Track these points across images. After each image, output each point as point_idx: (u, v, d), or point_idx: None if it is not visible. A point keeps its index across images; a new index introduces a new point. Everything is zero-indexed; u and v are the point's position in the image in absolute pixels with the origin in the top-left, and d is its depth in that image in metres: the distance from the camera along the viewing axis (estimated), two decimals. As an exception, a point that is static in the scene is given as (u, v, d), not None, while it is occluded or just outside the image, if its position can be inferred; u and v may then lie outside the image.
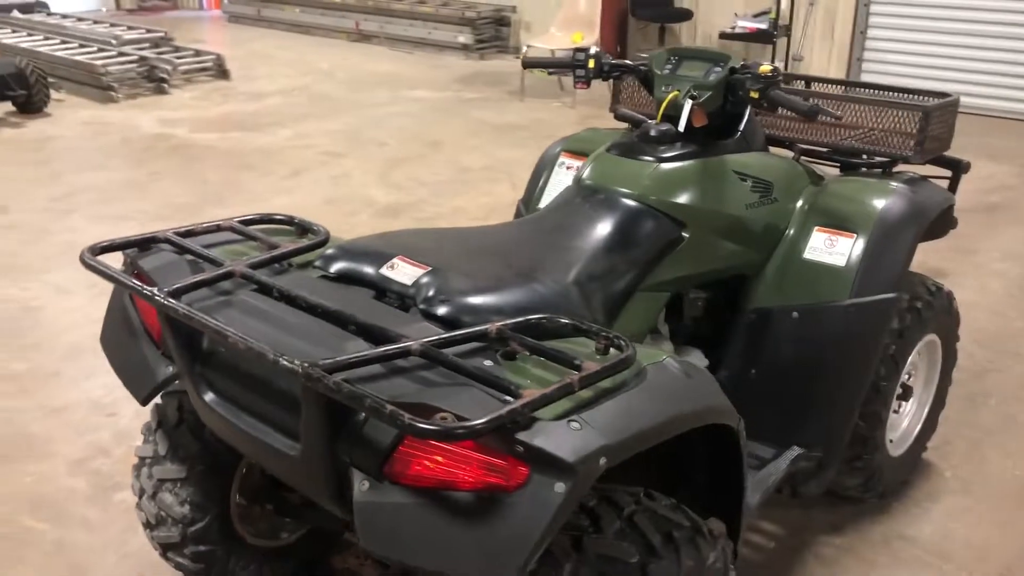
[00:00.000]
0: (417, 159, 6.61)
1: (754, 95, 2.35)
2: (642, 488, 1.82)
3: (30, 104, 7.79)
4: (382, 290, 1.93)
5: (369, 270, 1.95)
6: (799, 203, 2.56)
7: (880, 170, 2.74)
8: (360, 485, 1.55)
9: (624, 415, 1.56)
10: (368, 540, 1.54)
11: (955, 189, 2.97)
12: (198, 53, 9.52)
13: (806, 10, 8.59)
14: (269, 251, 2.01)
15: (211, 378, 1.85)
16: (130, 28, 10.06)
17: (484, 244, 2.18)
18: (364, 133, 7.27)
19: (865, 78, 8.44)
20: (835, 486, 2.75)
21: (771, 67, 2.36)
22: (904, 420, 2.90)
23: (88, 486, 2.93)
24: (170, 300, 1.71)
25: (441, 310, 1.82)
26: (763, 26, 8.28)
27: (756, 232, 2.45)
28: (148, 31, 9.85)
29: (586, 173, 2.41)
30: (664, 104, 2.46)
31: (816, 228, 2.50)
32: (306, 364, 1.46)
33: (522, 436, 1.43)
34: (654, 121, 2.47)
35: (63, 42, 9.60)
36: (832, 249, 2.47)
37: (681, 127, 2.41)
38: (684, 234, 2.31)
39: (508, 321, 1.71)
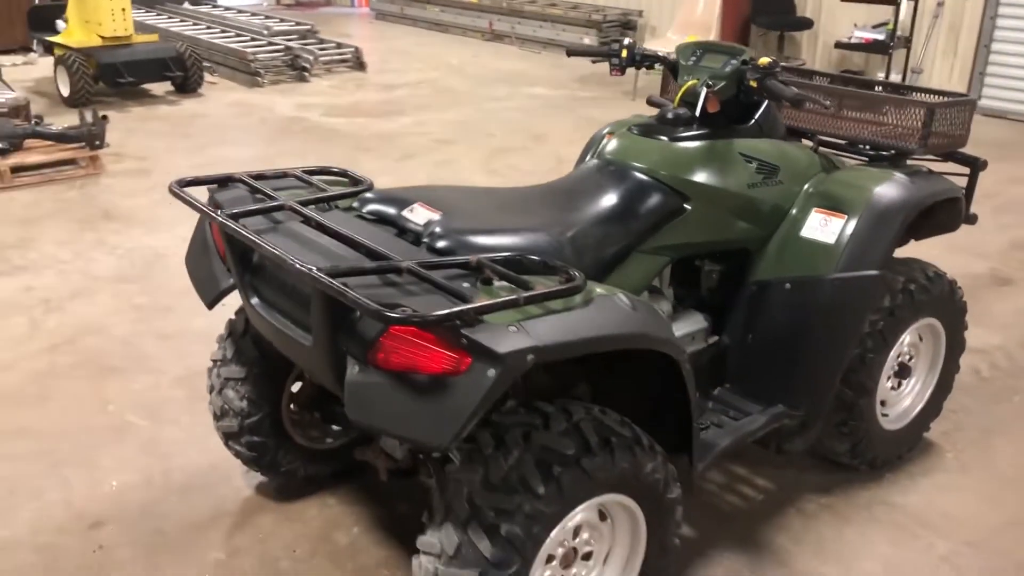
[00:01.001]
0: (520, 150, 7.03)
1: (752, 84, 2.64)
2: (600, 407, 2.17)
3: (186, 85, 8.66)
4: (402, 229, 2.34)
5: (392, 211, 2.37)
6: (806, 187, 2.81)
7: (888, 161, 2.95)
8: (351, 369, 1.97)
9: (558, 327, 1.91)
10: (352, 412, 1.95)
11: (973, 186, 3.14)
12: (339, 45, 10.26)
13: (929, 22, 8.53)
14: (318, 193, 2.46)
15: (257, 286, 2.31)
16: (282, 20, 10.90)
17: (501, 199, 2.56)
18: (476, 124, 7.76)
19: (987, 93, 8.32)
20: (826, 451, 2.99)
21: (769, 60, 2.64)
22: (904, 398, 3.09)
23: (184, 397, 3.48)
24: (228, 220, 2.17)
25: (440, 244, 2.21)
26: (880, 37, 8.28)
27: (758, 209, 2.73)
28: (297, 24, 10.67)
29: (607, 148, 2.76)
30: (682, 91, 2.78)
31: (814, 209, 2.76)
32: (313, 268, 1.89)
33: (468, 332, 1.81)
34: (672, 105, 2.80)
35: (222, 31, 10.54)
36: (825, 228, 2.72)
37: (697, 112, 2.73)
38: (687, 206, 2.62)
39: (489, 255, 2.09)
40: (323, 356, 2.06)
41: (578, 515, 2.10)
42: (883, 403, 3.01)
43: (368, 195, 2.47)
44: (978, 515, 2.88)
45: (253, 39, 9.99)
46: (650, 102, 3.16)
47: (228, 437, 2.78)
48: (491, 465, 1.99)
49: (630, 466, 2.09)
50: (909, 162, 2.99)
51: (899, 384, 3.06)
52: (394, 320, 1.75)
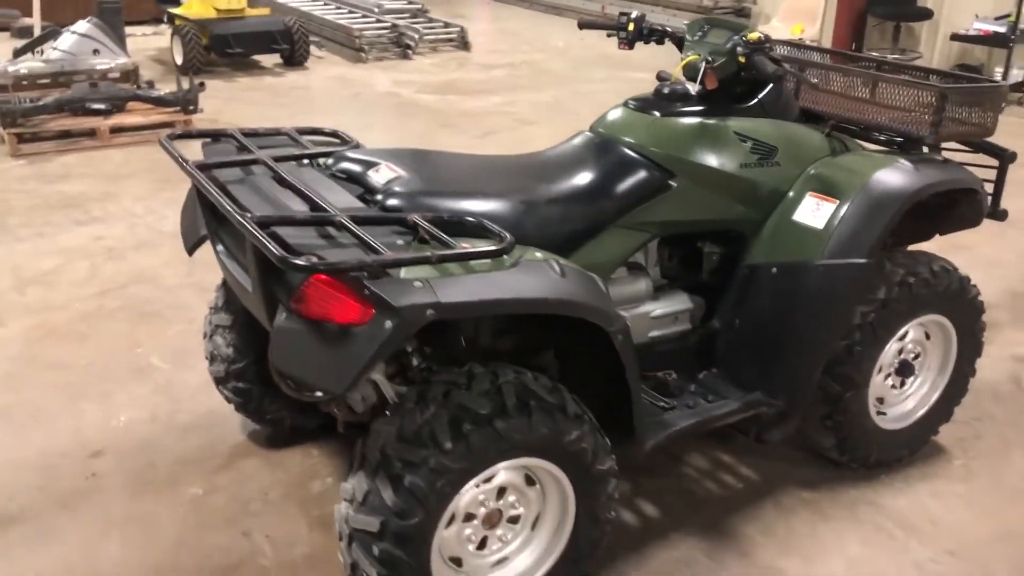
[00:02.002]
0: (600, 132, 6.98)
1: (741, 59, 2.57)
2: (534, 373, 2.17)
3: (292, 58, 9.01)
4: (367, 187, 2.39)
5: (359, 170, 2.43)
6: (809, 170, 2.72)
7: (900, 148, 2.81)
8: (279, 315, 2.04)
9: (471, 286, 1.94)
10: (273, 356, 2.04)
11: (1003, 178, 2.96)
12: (447, 25, 10.42)
13: (1059, 15, 7.95)
14: (297, 150, 2.55)
15: (222, 235, 2.42)
16: (396, -1, 11.15)
17: (478, 166, 2.59)
18: (565, 105, 7.75)
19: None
20: (813, 444, 2.90)
21: (759, 35, 2.57)
22: (907, 398, 2.94)
23: (209, 345, 3.65)
24: (195, 170, 2.28)
25: (389, 202, 2.26)
26: (1001, 29, 7.78)
27: (750, 190, 2.66)
28: (409, 3, 10.89)
29: (601, 120, 2.75)
30: (680, 65, 2.74)
31: (809, 193, 2.67)
32: (244, 215, 1.97)
33: (372, 284, 1.85)
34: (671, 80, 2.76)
35: (337, 7, 10.87)
36: (817, 213, 2.63)
37: (693, 89, 2.69)
38: (672, 183, 2.59)
39: (426, 215, 2.12)
40: (259, 302, 2.14)
41: (500, 476, 2.13)
42: (880, 401, 2.88)
43: (343, 154, 2.54)
44: (968, 525, 2.73)
45: (364, 16, 10.26)
46: (659, 77, 3.11)
47: (217, 382, 2.92)
48: (407, 419, 2.03)
49: (550, 431, 2.08)
50: (928, 150, 2.85)
51: (902, 383, 2.91)
52: (294, 267, 1.81)
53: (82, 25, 7.50)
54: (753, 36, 2.58)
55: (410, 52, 9.68)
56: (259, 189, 2.31)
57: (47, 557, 2.52)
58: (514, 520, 2.23)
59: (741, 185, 2.64)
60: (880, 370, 2.81)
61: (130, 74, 7.33)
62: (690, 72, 2.72)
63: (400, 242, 2.06)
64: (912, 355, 2.88)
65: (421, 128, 6.95)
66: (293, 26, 8.88)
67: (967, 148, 3.00)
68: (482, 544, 2.21)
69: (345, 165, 2.47)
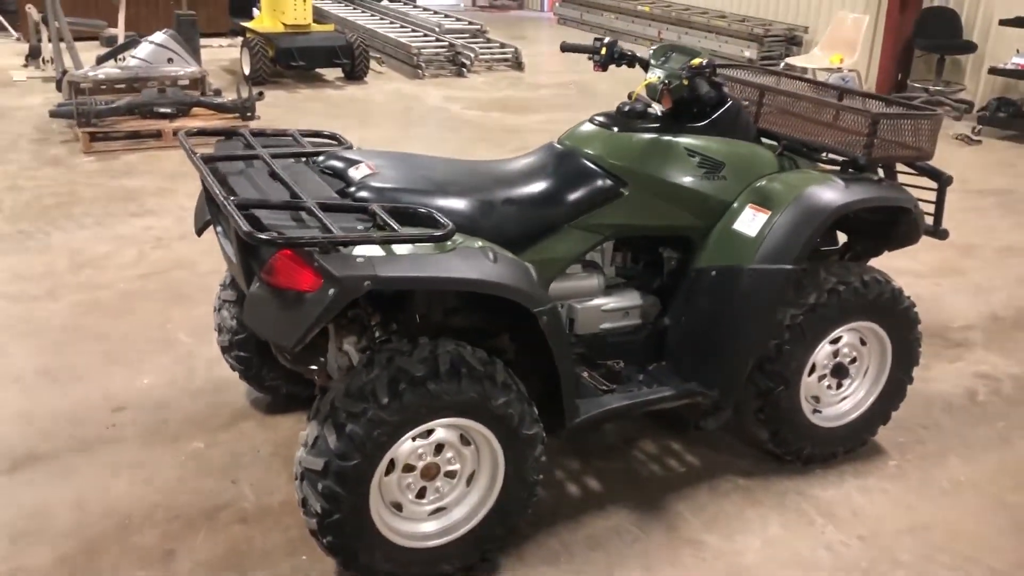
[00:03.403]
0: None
1: (684, 82, 2.88)
2: (472, 346, 2.51)
3: (353, 72, 9.52)
4: (347, 182, 2.76)
5: (341, 167, 2.80)
6: (754, 184, 3.00)
7: (842, 167, 3.07)
8: (254, 284, 2.42)
9: (407, 264, 2.29)
10: (246, 317, 2.42)
11: (942, 200, 3.20)
12: (503, 46, 10.84)
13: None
14: (295, 148, 2.94)
15: (219, 218, 2.82)
16: (458, 20, 11.62)
17: (449, 169, 2.92)
18: (603, 125, 8.05)
19: None
20: (752, 437, 3.16)
21: (700, 61, 2.87)
22: (843, 399, 3.18)
23: (231, 325, 4.07)
24: (199, 161, 2.68)
25: (360, 194, 2.62)
26: (1039, 64, 7.85)
27: (696, 201, 2.95)
28: (470, 23, 11.35)
29: (566, 133, 3.08)
30: (640, 86, 3.06)
31: (749, 204, 2.95)
32: (228, 198, 2.36)
33: (321, 258, 2.21)
34: (629, 100, 3.08)
35: (401, 26, 11.39)
36: (752, 222, 2.91)
37: (655, 108, 3.01)
38: (623, 191, 2.90)
39: (386, 204, 2.48)
40: (240, 272, 2.53)
41: (437, 433, 2.46)
42: (816, 399, 3.12)
43: (334, 153, 2.91)
44: (885, 516, 2.95)
45: (425, 35, 10.75)
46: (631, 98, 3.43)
47: (223, 350, 3.32)
48: (355, 378, 2.38)
49: (478, 396, 2.41)
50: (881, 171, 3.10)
51: (838, 384, 3.15)
52: (256, 239, 2.18)
53: (159, 36, 8.10)
54: (695, 62, 2.88)
55: (465, 70, 10.12)
56: (252, 179, 2.70)
57: (64, 489, 2.94)
58: (451, 475, 2.56)
59: (687, 195, 2.94)
60: (813, 370, 3.06)
61: (198, 82, 7.90)
62: (654, 93, 3.04)
63: (360, 227, 2.41)
64: (848, 359, 3.12)
65: (460, 141, 7.35)
66: (354, 42, 9.40)
67: (912, 171, 3.24)
68: (421, 494, 2.54)
69: (332, 163, 2.84)
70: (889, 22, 9.60)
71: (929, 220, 3.25)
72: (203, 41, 10.29)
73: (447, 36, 10.69)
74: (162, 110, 7.03)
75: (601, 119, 3.03)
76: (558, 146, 3.04)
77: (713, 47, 11.38)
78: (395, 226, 2.35)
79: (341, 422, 2.33)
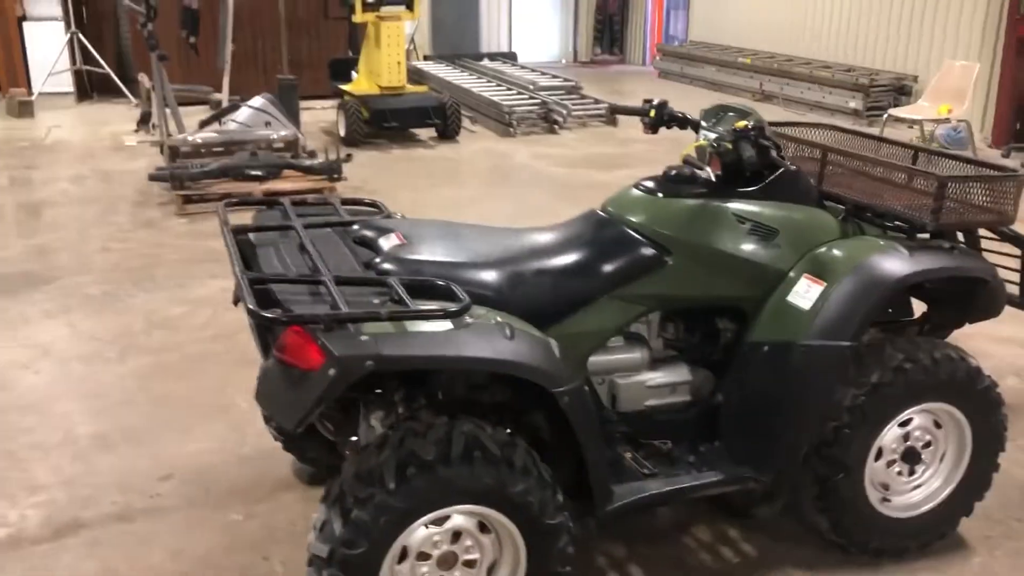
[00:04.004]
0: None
1: (728, 146, 2.71)
2: (495, 426, 2.37)
3: (445, 132, 9.63)
4: (377, 252, 2.70)
5: (372, 236, 2.74)
6: (813, 252, 2.79)
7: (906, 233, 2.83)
8: (267, 359, 2.37)
9: (414, 342, 2.18)
10: (257, 393, 2.35)
11: (1027, 268, 2.90)
12: (596, 102, 10.79)
13: None
14: (333, 218, 2.90)
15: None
16: (554, 77, 11.65)
17: (482, 237, 2.82)
18: (692, 181, 7.86)
19: None
20: (812, 526, 2.90)
21: (744, 123, 2.70)
22: (916, 487, 2.89)
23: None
24: (227, 232, 2.67)
25: (383, 266, 2.54)
26: None
27: (746, 270, 2.76)
28: (564, 80, 11.36)
29: (609, 199, 2.95)
30: (686, 150, 2.92)
31: (804, 274, 2.74)
32: (242, 273, 2.32)
33: (323, 336, 2.14)
34: (678, 165, 2.94)
35: (497, 84, 11.50)
36: (807, 294, 2.70)
37: (706, 173, 2.86)
38: (668, 260, 2.74)
39: (404, 278, 2.39)
40: (258, 347, 2.48)
41: (453, 520, 2.33)
42: (885, 487, 2.85)
43: (368, 222, 2.86)
44: (962, 623, 2.64)
45: (518, 93, 10.81)
46: (685, 160, 3.27)
47: (265, 420, 3.28)
48: (365, 459, 2.28)
49: (494, 482, 2.27)
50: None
51: (910, 471, 2.87)
52: (258, 316, 2.12)
53: (257, 100, 8.38)
54: (740, 124, 2.72)
55: (557, 127, 10.10)
56: (280, 252, 2.67)
57: (97, 560, 2.93)
58: (470, 564, 2.41)
59: (736, 264, 2.75)
60: (880, 455, 2.79)
61: (292, 144, 8.12)
62: (703, 157, 2.89)
63: (376, 301, 2.33)
64: (920, 444, 2.84)
65: (541, 199, 7.28)
66: (447, 103, 9.52)
67: (995, 236, 2.96)
68: (439, 584, 2.41)
69: (364, 233, 2.78)
70: (1006, 69, 9.10)
71: (1015, 289, 2.96)
72: (306, 103, 10.67)
73: (540, 93, 10.71)
74: (253, 172, 7.23)
75: (647, 184, 2.89)
76: (601, 213, 2.90)
77: (816, 98, 11.05)
78: (408, 301, 2.25)
79: (348, 507, 2.23)
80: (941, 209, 2.70)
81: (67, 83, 12.09)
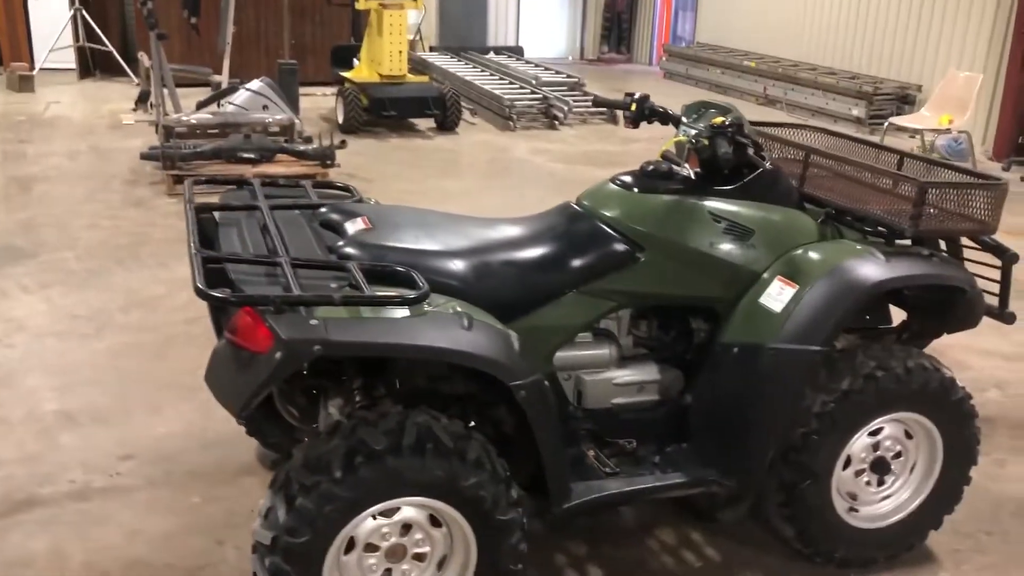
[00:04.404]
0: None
1: (704, 141, 2.65)
2: (451, 418, 2.32)
3: (444, 123, 9.56)
4: (342, 236, 2.64)
5: (337, 220, 2.68)
6: (789, 254, 2.73)
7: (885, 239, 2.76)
8: (220, 341, 2.31)
9: (363, 327, 2.13)
10: (207, 376, 2.30)
11: (1007, 278, 2.85)
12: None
13: None
14: (296, 200, 2.85)
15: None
16: (557, 72, 11.57)
17: (451, 226, 2.75)
18: (689, 182, 7.80)
19: None
20: (777, 533, 2.84)
21: (722, 119, 2.64)
22: (885, 498, 2.83)
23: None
24: (189, 210, 2.61)
25: (346, 250, 2.48)
26: None
27: (719, 269, 2.70)
28: (568, 76, 11.28)
29: (584, 193, 2.89)
30: (665, 146, 2.87)
31: (778, 276, 2.68)
32: (195, 251, 2.27)
33: (272, 319, 2.08)
34: (656, 160, 2.88)
35: (500, 77, 11.43)
36: (779, 296, 2.64)
37: (691, 171, 2.79)
38: (640, 256, 2.68)
39: (365, 263, 2.34)
40: (215, 329, 2.43)
41: (403, 512, 2.27)
42: (852, 496, 2.79)
43: (336, 206, 2.80)
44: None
45: (520, 87, 10.74)
46: (663, 156, 3.21)
47: (228, 404, 3.23)
48: (314, 447, 2.23)
49: (444, 474, 2.22)
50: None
51: (879, 481, 2.81)
52: (205, 295, 2.07)
53: (255, 83, 8.32)
54: (717, 120, 2.66)
55: (557, 123, 10.03)
56: (243, 232, 2.62)
57: (51, 538, 2.88)
58: (419, 558, 2.36)
59: (709, 263, 2.69)
60: (849, 464, 2.74)
61: (287, 128, 8.06)
62: (682, 153, 2.84)
63: (333, 285, 2.27)
64: (891, 454, 2.78)
65: (536, 194, 7.20)
66: (447, 94, 9.46)
67: (976, 245, 2.90)
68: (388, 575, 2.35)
69: (331, 216, 2.73)
70: (1009, 80, 9.02)
71: (996, 301, 2.90)
72: (308, 89, 10.62)
73: (543, 88, 10.64)
74: (246, 155, 7.17)
75: (624, 179, 2.83)
76: (575, 206, 2.84)
77: (820, 104, 10.97)
78: (364, 286, 2.20)
79: (293, 495, 2.17)
80: (921, 215, 2.64)
81: (70, 60, 12.05)
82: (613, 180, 2.86)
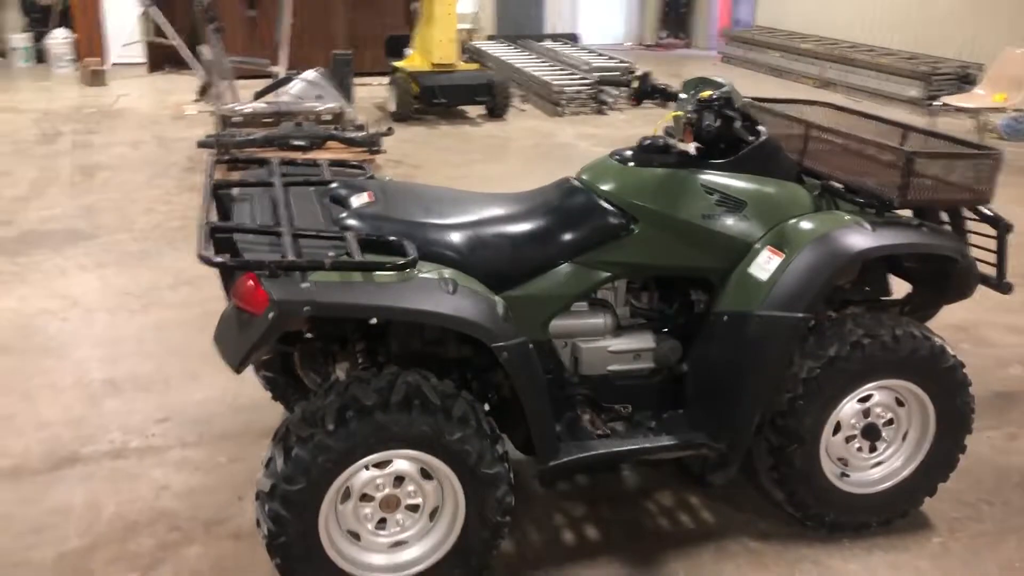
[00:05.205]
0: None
1: (691, 116, 2.74)
2: (440, 378, 2.47)
3: (494, 110, 9.70)
4: (347, 209, 2.80)
5: (344, 195, 2.84)
6: (780, 225, 2.80)
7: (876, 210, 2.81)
8: (228, 303, 2.49)
9: (350, 291, 2.28)
10: (214, 337, 2.48)
11: (1003, 249, 2.87)
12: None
13: None
14: (309, 177, 3.02)
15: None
16: (610, 59, 11.60)
17: (449, 200, 2.87)
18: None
19: None
20: (770, 497, 2.92)
21: (708, 93, 2.72)
22: (876, 464, 2.88)
23: (294, 347, 4.21)
24: (207, 185, 2.80)
25: (347, 222, 2.64)
26: None
27: (711, 240, 2.78)
28: (620, 61, 11.30)
29: (583, 168, 3.00)
30: (663, 120, 2.96)
31: (767, 246, 2.75)
32: (204, 222, 2.45)
33: (267, 282, 2.24)
34: (653, 135, 2.98)
35: (551, 64, 11.51)
36: (767, 265, 2.72)
37: (683, 144, 2.89)
38: (633, 228, 2.79)
39: (361, 233, 2.49)
40: (225, 294, 2.61)
41: (395, 464, 2.43)
42: (843, 462, 2.85)
43: (345, 182, 2.96)
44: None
45: (571, 73, 10.81)
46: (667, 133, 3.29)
47: (255, 370, 3.42)
48: (312, 402, 2.39)
49: (430, 429, 2.36)
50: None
51: (871, 448, 2.86)
52: (205, 260, 2.24)
53: (309, 73, 8.56)
54: (704, 94, 2.74)
55: (605, 108, 10.08)
56: (254, 206, 2.79)
57: (88, 491, 3.12)
58: (413, 508, 2.51)
59: (701, 235, 2.77)
60: (839, 430, 2.80)
61: (338, 117, 8.28)
62: (679, 128, 2.92)
63: (331, 253, 2.43)
64: (882, 420, 2.83)
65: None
66: (496, 81, 9.59)
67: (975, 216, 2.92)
68: (383, 524, 2.51)
69: (339, 191, 2.89)
70: (1071, 58, 8.76)
71: (992, 271, 2.92)
72: (366, 79, 10.87)
73: (594, 74, 10.68)
74: (296, 142, 7.41)
75: (622, 154, 2.93)
76: (573, 180, 2.96)
77: (876, 86, 10.79)
78: (356, 253, 2.35)
79: (290, 445, 2.34)
80: (908, 186, 2.68)
81: (141, 54, 12.52)
82: (612, 155, 2.97)
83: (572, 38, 14.36)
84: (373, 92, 11.15)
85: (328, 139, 7.59)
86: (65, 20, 12.78)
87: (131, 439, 3.45)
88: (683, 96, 3.00)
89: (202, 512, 3.01)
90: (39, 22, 13.02)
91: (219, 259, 2.26)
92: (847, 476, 2.86)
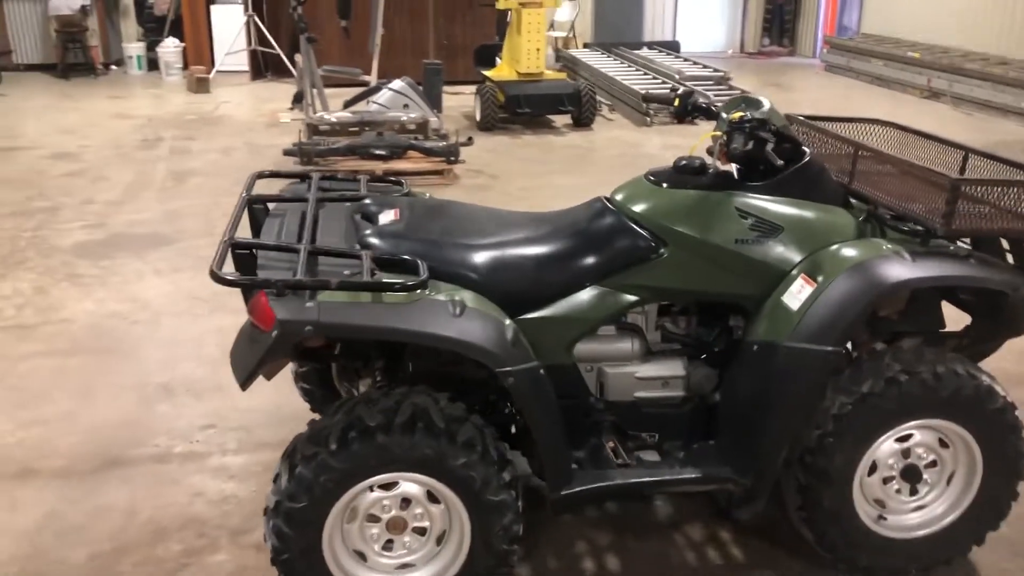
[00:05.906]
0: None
1: (722, 136, 2.64)
2: (450, 400, 2.44)
3: (580, 119, 9.64)
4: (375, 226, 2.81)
5: (373, 212, 2.85)
6: (817, 252, 2.68)
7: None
8: (246, 320, 2.53)
9: (357, 312, 2.27)
10: (230, 353, 2.52)
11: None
12: (743, 93, 10.45)
13: None
14: (344, 193, 3.04)
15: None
16: (704, 67, 11.40)
17: (478, 220, 2.86)
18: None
19: None
20: (803, 538, 2.78)
21: (740, 114, 2.62)
22: (917, 508, 2.71)
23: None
24: (241, 201, 2.85)
25: (368, 240, 2.64)
26: None
27: (743, 266, 2.68)
28: (715, 71, 11.09)
29: (616, 188, 2.94)
30: (699, 141, 2.87)
31: (802, 274, 2.63)
32: (226, 237, 2.49)
33: (273, 301, 2.26)
34: (689, 156, 2.89)
35: (644, 73, 11.37)
36: (799, 295, 2.60)
37: (715, 163, 2.80)
38: (663, 251, 2.71)
39: (377, 253, 2.49)
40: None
41: (402, 487, 2.41)
42: (880, 504, 2.69)
43: (376, 199, 2.97)
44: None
45: (663, 82, 10.65)
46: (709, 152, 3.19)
47: (295, 382, 3.47)
48: (320, 420, 2.41)
49: (433, 453, 2.34)
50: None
51: (911, 490, 2.69)
52: (216, 277, 2.28)
53: (397, 83, 8.70)
54: (735, 115, 2.64)
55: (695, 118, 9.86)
56: (284, 222, 2.83)
57: (127, 493, 3.22)
58: (420, 531, 2.49)
59: (733, 260, 2.67)
60: (875, 470, 2.64)
61: (422, 126, 8.38)
62: (715, 149, 2.82)
63: (347, 272, 2.44)
64: (924, 462, 2.66)
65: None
66: (582, 90, 9.53)
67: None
68: (389, 546, 2.50)
69: (370, 208, 2.90)
70: None
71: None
72: (457, 88, 10.98)
73: (687, 83, 10.49)
74: (377, 152, 7.54)
75: (654, 176, 2.84)
76: (605, 201, 2.89)
77: (987, 96, 10.26)
78: (367, 273, 2.34)
79: (295, 463, 2.36)
80: (953, 213, 2.51)
81: (245, 62, 12.97)
82: (647, 175, 2.88)
83: (672, 46, 14.19)
84: (463, 101, 11.24)
85: (408, 148, 7.70)
86: (176, 30, 13.33)
87: (176, 444, 3.54)
88: (724, 116, 2.88)
89: (230, 520, 3.07)
90: (154, 31, 13.63)
91: (229, 277, 2.29)
92: (884, 519, 2.70)
